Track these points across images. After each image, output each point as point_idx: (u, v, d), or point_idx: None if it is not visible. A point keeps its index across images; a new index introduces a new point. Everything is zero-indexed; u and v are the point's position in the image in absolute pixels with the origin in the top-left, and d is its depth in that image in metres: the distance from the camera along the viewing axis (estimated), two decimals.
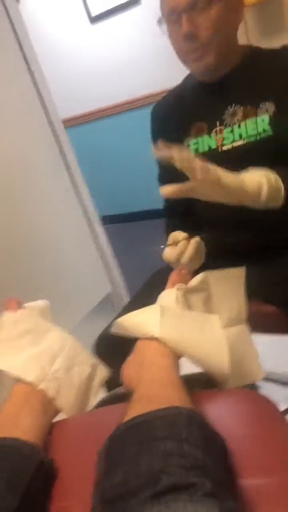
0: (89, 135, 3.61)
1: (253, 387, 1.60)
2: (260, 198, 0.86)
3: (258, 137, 1.06)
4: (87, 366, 0.83)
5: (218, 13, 1.00)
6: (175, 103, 1.20)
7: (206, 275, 0.88)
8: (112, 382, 0.87)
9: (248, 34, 1.70)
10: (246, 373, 0.81)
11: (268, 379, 1.60)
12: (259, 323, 0.89)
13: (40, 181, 1.87)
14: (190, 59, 1.07)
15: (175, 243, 1.00)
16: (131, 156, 3.45)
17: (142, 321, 0.74)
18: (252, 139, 1.07)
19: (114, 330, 0.83)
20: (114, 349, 0.94)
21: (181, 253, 0.97)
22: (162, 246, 1.02)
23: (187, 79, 1.21)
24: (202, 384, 0.86)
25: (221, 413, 0.61)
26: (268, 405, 0.63)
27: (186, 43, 1.03)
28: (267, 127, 1.05)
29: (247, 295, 0.91)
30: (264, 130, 1.06)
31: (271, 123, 1.05)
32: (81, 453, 0.62)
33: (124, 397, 0.87)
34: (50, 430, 0.69)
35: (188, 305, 0.82)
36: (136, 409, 0.55)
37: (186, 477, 0.42)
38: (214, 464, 0.45)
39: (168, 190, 0.81)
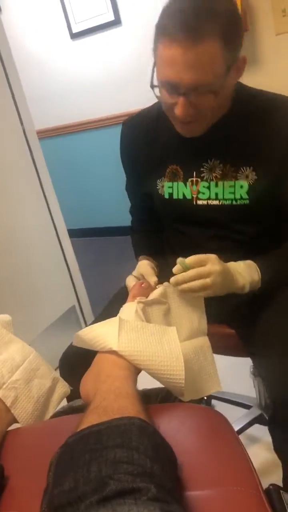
0: (63, 148, 3.63)
1: (208, 405, 1.63)
2: (242, 292, 0.99)
3: (234, 202, 1.03)
4: (47, 380, 0.83)
5: (220, 95, 0.90)
6: (151, 132, 1.11)
7: (166, 288, 0.92)
8: (74, 396, 0.87)
9: None
10: (204, 385, 0.83)
11: (222, 398, 1.63)
12: (215, 344, 0.92)
13: (11, 189, 1.87)
14: (177, 124, 0.99)
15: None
16: (103, 173, 3.49)
17: (101, 335, 0.75)
18: (228, 202, 1.03)
19: (75, 343, 0.84)
20: (79, 363, 0.95)
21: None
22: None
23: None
24: (160, 399, 0.88)
25: (175, 426, 0.62)
26: (220, 420, 0.65)
27: (175, 115, 0.93)
28: (245, 195, 1.01)
29: (207, 317, 0.95)
30: (241, 197, 1.02)
31: (249, 192, 1.01)
32: (33, 462, 0.63)
33: (81, 410, 0.87)
34: (4, 438, 0.69)
35: (148, 318, 0.84)
36: (90, 419, 0.56)
37: (133, 483, 0.43)
38: (161, 472, 0.46)
39: None
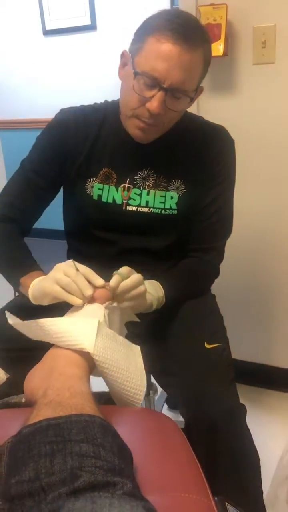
0: (23, 142, 3.52)
1: None
2: (150, 310, 0.98)
3: (163, 212, 1.08)
4: None
5: (185, 106, 0.98)
6: (93, 131, 1.09)
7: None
8: None
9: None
10: None
11: None
12: None
13: None
14: (135, 125, 0.99)
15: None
16: None
17: (73, 331, 0.72)
18: (157, 211, 1.08)
19: (22, 325, 0.79)
20: None
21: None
22: None
23: (113, 109, 1.07)
24: (104, 402, 0.86)
25: (127, 429, 0.60)
26: (172, 426, 0.64)
27: (142, 112, 0.95)
28: (174, 206, 1.08)
29: None
30: (170, 207, 1.08)
31: (177, 203, 1.08)
32: None
33: (17, 406, 0.83)
34: None
35: (109, 325, 0.82)
36: (44, 412, 0.53)
37: (106, 477, 0.42)
38: (129, 471, 0.45)
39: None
